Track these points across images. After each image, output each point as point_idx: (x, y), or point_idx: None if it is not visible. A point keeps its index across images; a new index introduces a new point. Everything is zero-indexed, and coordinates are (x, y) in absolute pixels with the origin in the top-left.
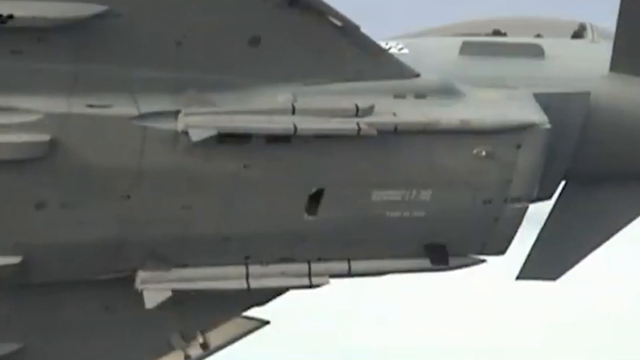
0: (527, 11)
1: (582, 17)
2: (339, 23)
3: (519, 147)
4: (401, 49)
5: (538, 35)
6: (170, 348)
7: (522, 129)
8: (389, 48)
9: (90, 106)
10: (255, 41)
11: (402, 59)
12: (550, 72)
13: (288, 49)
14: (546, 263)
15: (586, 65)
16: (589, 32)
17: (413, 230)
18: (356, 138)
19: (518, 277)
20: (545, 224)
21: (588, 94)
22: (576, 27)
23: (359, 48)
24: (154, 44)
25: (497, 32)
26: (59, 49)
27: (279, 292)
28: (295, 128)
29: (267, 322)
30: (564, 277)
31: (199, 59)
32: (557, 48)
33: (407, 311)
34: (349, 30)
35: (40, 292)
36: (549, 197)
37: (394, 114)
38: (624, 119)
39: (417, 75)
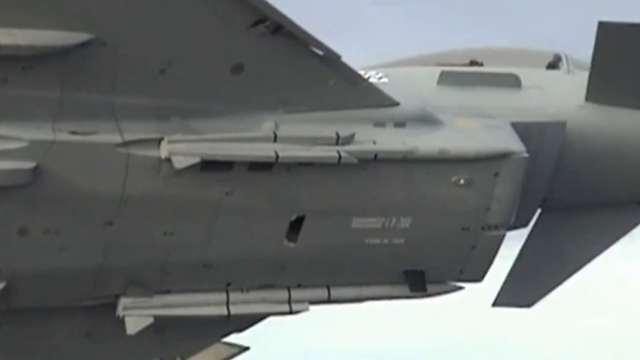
0: (503, 41)
1: (557, 47)
2: (320, 52)
3: (496, 175)
4: (381, 77)
5: (514, 66)
6: None
7: (500, 157)
8: (369, 77)
9: (75, 133)
10: (238, 69)
11: (382, 88)
12: (527, 102)
13: (271, 77)
14: (521, 290)
15: (562, 95)
16: (564, 62)
17: (392, 257)
18: (337, 166)
19: (494, 304)
20: (520, 251)
21: (564, 123)
22: (551, 58)
23: (339, 76)
24: (138, 71)
25: (474, 62)
26: (44, 77)
27: (258, 318)
28: (277, 156)
29: (247, 348)
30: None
31: (182, 87)
32: (534, 78)
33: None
34: (330, 60)
35: (22, 317)
36: (526, 224)
37: (374, 142)
38: (599, 148)
39: (397, 104)
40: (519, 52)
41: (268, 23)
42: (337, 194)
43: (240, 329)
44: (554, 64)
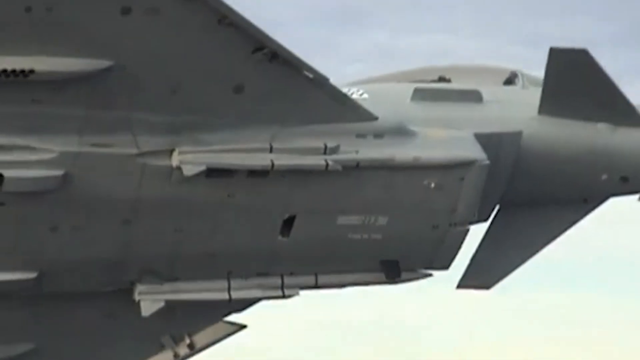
0: (466, 59)
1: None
2: (310, 75)
3: (462, 179)
4: (362, 94)
5: (476, 82)
6: (162, 348)
7: (465, 165)
8: (352, 93)
9: (97, 145)
10: (239, 89)
11: (363, 104)
12: (488, 115)
13: (268, 97)
14: (482, 275)
15: (518, 108)
16: (519, 79)
17: (371, 249)
18: (324, 172)
19: (458, 287)
20: (481, 241)
21: (520, 133)
22: (508, 74)
23: (327, 96)
24: (152, 92)
25: (442, 79)
26: (72, 98)
27: (255, 301)
28: (273, 164)
29: (245, 326)
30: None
31: (191, 104)
32: (494, 93)
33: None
34: (318, 82)
35: (52, 300)
36: (486, 219)
37: (357, 152)
38: (550, 154)
39: (376, 118)
40: (480, 69)
41: (266, 51)
42: (324, 196)
43: (239, 309)
44: (510, 80)
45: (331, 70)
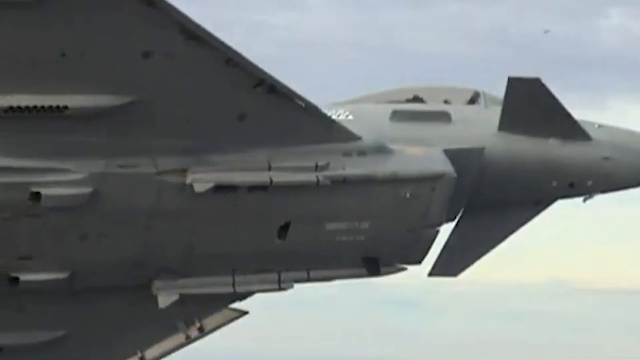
0: (436, 80)
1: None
2: (302, 104)
3: (433, 189)
4: (347, 115)
5: (445, 101)
6: (175, 331)
7: (436, 177)
8: (339, 115)
9: (121, 166)
10: (242, 117)
11: (349, 124)
12: (455, 133)
13: (266, 123)
14: (449, 264)
15: (481, 126)
16: (481, 98)
17: (355, 249)
18: (316, 186)
19: (429, 275)
20: (448, 237)
21: (483, 148)
22: (472, 94)
23: (317, 121)
24: (169, 121)
25: (416, 98)
26: (99, 128)
27: (254, 292)
28: (271, 180)
29: (247, 312)
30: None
31: (201, 131)
32: (461, 113)
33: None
34: (309, 109)
35: (81, 293)
36: (453, 219)
37: (343, 169)
38: (508, 165)
39: (360, 138)
40: (448, 89)
41: (265, 85)
42: (315, 206)
43: (242, 299)
44: (473, 99)
45: None
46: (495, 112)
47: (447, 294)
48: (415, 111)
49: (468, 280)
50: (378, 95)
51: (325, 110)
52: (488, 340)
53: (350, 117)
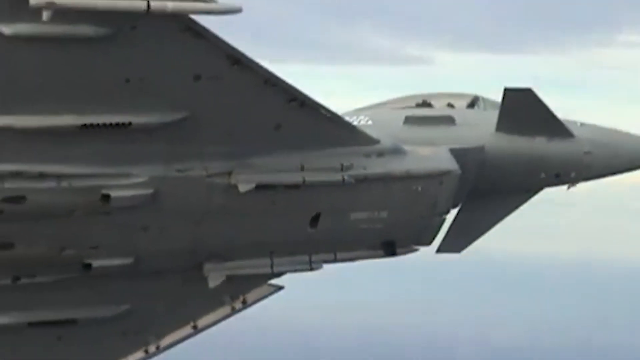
0: (441, 86)
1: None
2: (328, 115)
3: (441, 184)
4: (367, 121)
5: (449, 105)
6: (222, 304)
7: (443, 173)
8: (360, 121)
9: (177, 170)
10: (278, 127)
11: (368, 130)
12: (459, 134)
13: (298, 131)
14: (454, 243)
15: (481, 127)
16: (480, 102)
17: (375, 235)
18: (341, 184)
19: (437, 252)
20: (453, 221)
21: (483, 146)
22: (472, 99)
23: (341, 128)
24: (216, 132)
25: (425, 102)
26: (159, 138)
27: (289, 272)
28: (304, 180)
29: (282, 287)
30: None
31: (243, 139)
32: (463, 117)
33: None
34: (334, 118)
35: (143, 275)
36: (457, 206)
37: (364, 168)
38: (504, 160)
39: (378, 142)
40: (451, 94)
41: (298, 100)
42: (341, 200)
43: (278, 276)
44: (473, 103)
45: None
46: (493, 115)
47: None
48: (424, 116)
49: None
50: (393, 101)
51: (347, 117)
52: None
53: (370, 122)
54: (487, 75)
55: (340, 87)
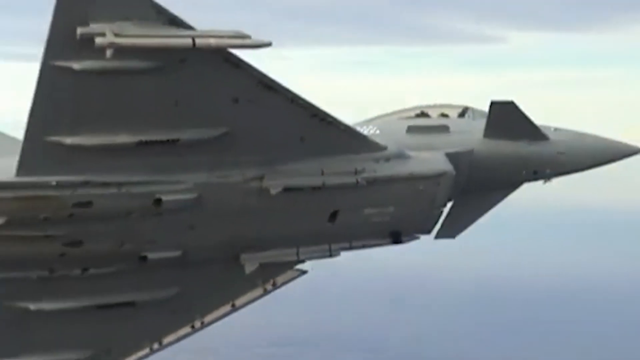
0: (436, 97)
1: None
2: (344, 127)
3: (439, 183)
4: (375, 130)
5: (442, 114)
6: (256, 286)
7: (440, 175)
8: (369, 131)
9: (218, 177)
10: (303, 139)
11: (376, 138)
12: (453, 140)
13: (319, 142)
14: (449, 230)
15: (471, 134)
16: (470, 112)
17: (383, 226)
18: (356, 186)
19: (435, 238)
20: (448, 211)
21: (472, 150)
22: (462, 109)
23: (354, 138)
24: (251, 144)
25: (423, 113)
26: (202, 151)
27: (312, 259)
28: (324, 183)
29: (306, 272)
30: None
31: (273, 149)
32: (456, 125)
33: None
34: (349, 130)
35: (189, 264)
36: (452, 199)
37: (375, 171)
38: (491, 161)
39: (385, 148)
40: (444, 105)
41: (318, 116)
42: (355, 199)
43: (302, 262)
44: (463, 113)
45: None
46: (481, 123)
47: None
48: (423, 126)
49: None
50: (397, 112)
51: (359, 128)
52: None
53: (378, 131)
54: (551, 50)
55: (432, 65)
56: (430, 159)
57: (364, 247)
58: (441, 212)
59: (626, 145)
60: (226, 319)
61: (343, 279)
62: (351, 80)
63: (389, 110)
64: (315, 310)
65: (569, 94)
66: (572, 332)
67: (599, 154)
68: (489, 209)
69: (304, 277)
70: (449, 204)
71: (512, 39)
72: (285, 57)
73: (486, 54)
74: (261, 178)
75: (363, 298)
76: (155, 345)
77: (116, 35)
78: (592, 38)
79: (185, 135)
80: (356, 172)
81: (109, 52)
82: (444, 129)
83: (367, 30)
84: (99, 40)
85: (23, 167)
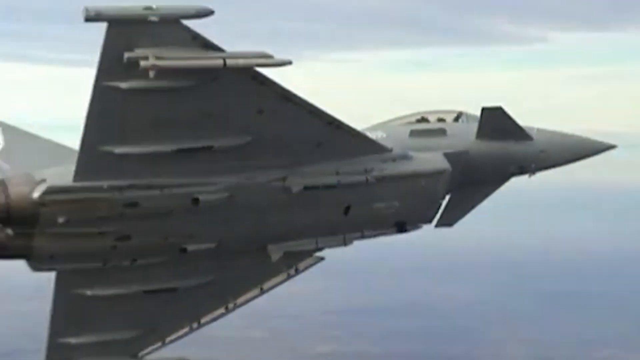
0: (433, 103)
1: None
2: (355, 133)
3: (438, 180)
4: (382, 135)
5: (439, 119)
6: (280, 271)
7: (440, 172)
8: (377, 135)
9: (247, 178)
10: (319, 145)
11: (383, 141)
12: (450, 142)
13: (334, 147)
14: (448, 219)
15: (465, 136)
16: (464, 117)
17: (390, 218)
18: (365, 184)
19: (436, 226)
20: (446, 204)
21: (467, 150)
22: (457, 114)
23: (364, 141)
24: (273, 149)
25: (423, 118)
26: (232, 156)
27: (329, 247)
28: (339, 182)
29: (324, 258)
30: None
31: (295, 153)
32: (452, 129)
33: None
34: (360, 135)
35: (223, 254)
36: (450, 193)
37: (382, 170)
38: (482, 159)
39: (391, 150)
40: (441, 111)
41: (333, 124)
42: (366, 195)
43: (321, 250)
44: (458, 117)
45: None
46: (474, 126)
47: None
48: (424, 129)
49: None
50: (401, 118)
51: (368, 132)
52: None
53: (384, 135)
54: (589, 48)
55: (477, 64)
56: (430, 159)
57: (373, 236)
58: (440, 204)
59: (600, 143)
60: (284, 290)
61: (393, 254)
62: (409, 79)
63: (410, 111)
64: (368, 281)
65: (603, 89)
66: None
67: (576, 151)
68: (482, 200)
69: (360, 254)
70: (447, 197)
71: (552, 39)
72: (355, 59)
73: (527, 54)
74: (284, 179)
75: (410, 270)
76: (195, 325)
77: (157, 58)
78: (628, 36)
79: (218, 143)
80: (366, 172)
81: (151, 73)
82: (442, 132)
83: (419, 33)
84: (143, 63)
85: (79, 173)
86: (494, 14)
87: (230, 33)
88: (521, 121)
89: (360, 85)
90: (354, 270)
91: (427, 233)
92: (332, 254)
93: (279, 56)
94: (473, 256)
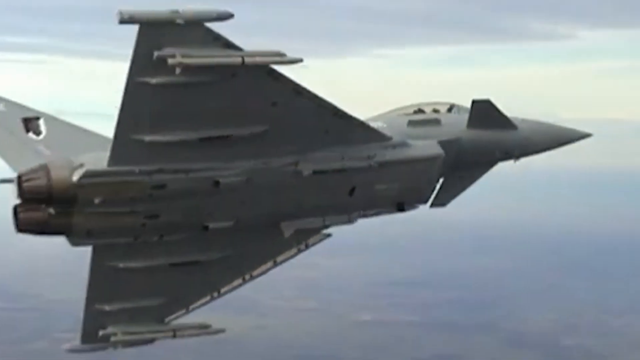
0: (430, 95)
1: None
2: (359, 122)
3: (433, 165)
4: (383, 125)
5: (434, 110)
6: (291, 246)
7: (434, 158)
8: (378, 125)
9: (263, 163)
10: (327, 132)
11: (384, 130)
12: (444, 131)
13: (340, 135)
14: (441, 200)
15: (457, 125)
16: (456, 108)
17: (391, 198)
18: (368, 168)
19: (430, 206)
20: (440, 186)
21: (459, 138)
22: (449, 105)
23: (367, 130)
24: (286, 137)
25: (420, 109)
26: (249, 143)
27: (335, 225)
28: (344, 166)
29: (330, 235)
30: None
31: (305, 140)
32: (445, 119)
33: None
34: (363, 125)
35: (240, 231)
36: (443, 176)
37: (383, 156)
38: (472, 146)
39: (391, 138)
40: (436, 102)
41: (339, 114)
42: (369, 178)
43: (327, 227)
44: (450, 108)
45: None
46: (465, 117)
47: None
48: (420, 120)
49: None
50: (399, 109)
51: (371, 122)
52: None
53: (385, 125)
54: (614, 45)
55: (507, 60)
56: (426, 146)
57: (376, 214)
58: (435, 186)
59: (577, 131)
60: (331, 265)
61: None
62: (448, 73)
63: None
64: (407, 256)
65: (630, 81)
66: None
67: (556, 138)
68: (471, 183)
69: (398, 231)
70: (441, 180)
71: (582, 36)
72: (394, 55)
73: (557, 50)
74: (296, 163)
75: (446, 245)
76: (215, 294)
77: (183, 56)
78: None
79: (236, 132)
80: (369, 157)
81: (178, 70)
82: (437, 122)
83: (457, 31)
84: (170, 60)
85: (113, 159)
86: (524, 12)
87: (291, 31)
88: (542, 110)
89: (403, 80)
90: (394, 246)
91: (463, 211)
92: (371, 233)
93: (291, 54)
94: (504, 231)
